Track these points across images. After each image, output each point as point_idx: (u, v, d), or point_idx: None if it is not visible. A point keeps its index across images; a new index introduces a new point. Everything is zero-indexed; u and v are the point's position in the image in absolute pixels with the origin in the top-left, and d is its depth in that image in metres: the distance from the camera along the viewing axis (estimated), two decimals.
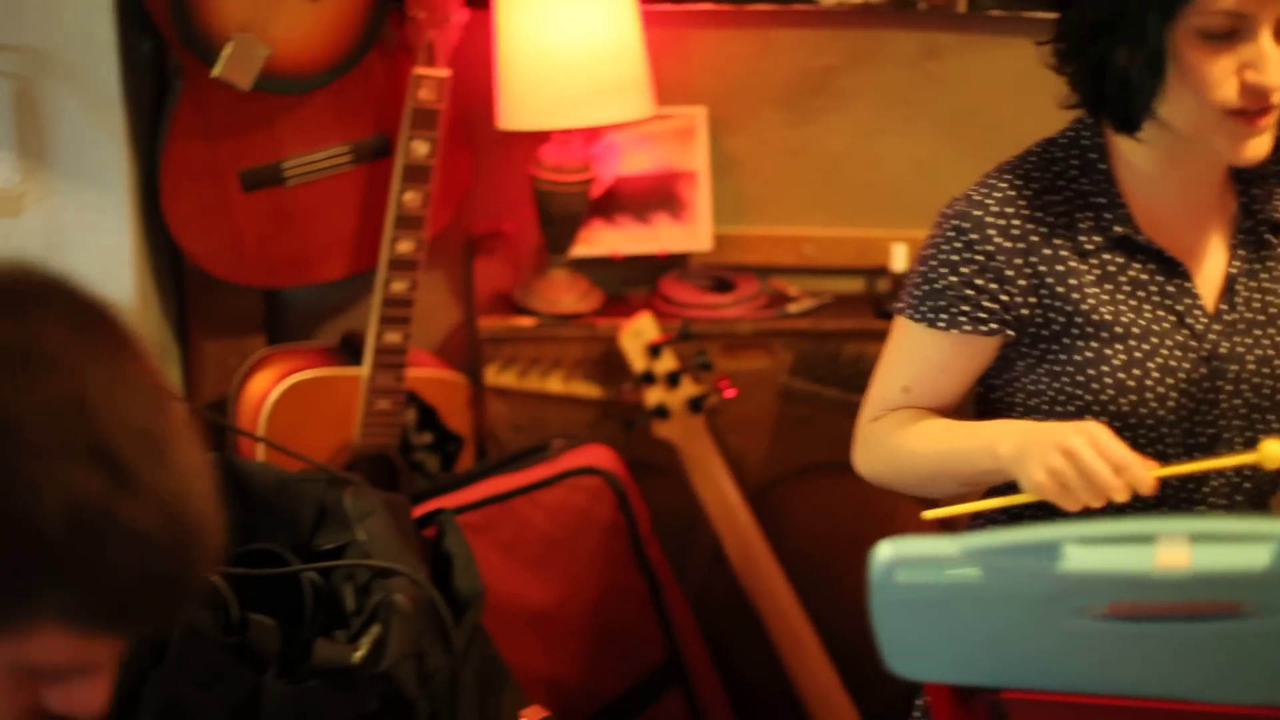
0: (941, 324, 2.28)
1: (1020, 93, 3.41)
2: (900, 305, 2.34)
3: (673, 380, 3.42)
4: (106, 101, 3.25)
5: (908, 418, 2.33)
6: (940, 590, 1.70)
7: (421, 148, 3.33)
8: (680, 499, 3.54)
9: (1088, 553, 1.64)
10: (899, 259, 3.58)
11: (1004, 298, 2.25)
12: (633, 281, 3.72)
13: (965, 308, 2.26)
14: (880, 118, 3.66)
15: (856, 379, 3.49)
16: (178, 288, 3.66)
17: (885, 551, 1.70)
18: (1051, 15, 2.29)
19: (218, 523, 1.30)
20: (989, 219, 2.25)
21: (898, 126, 3.66)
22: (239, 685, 2.24)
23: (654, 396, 3.43)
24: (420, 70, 3.31)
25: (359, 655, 2.24)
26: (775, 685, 3.52)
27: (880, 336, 3.45)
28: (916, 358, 2.34)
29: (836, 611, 3.55)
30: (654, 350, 3.41)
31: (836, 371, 3.54)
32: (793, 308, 3.61)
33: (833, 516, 3.61)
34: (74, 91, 3.23)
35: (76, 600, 1.22)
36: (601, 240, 3.63)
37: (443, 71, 3.32)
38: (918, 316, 2.30)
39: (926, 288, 2.29)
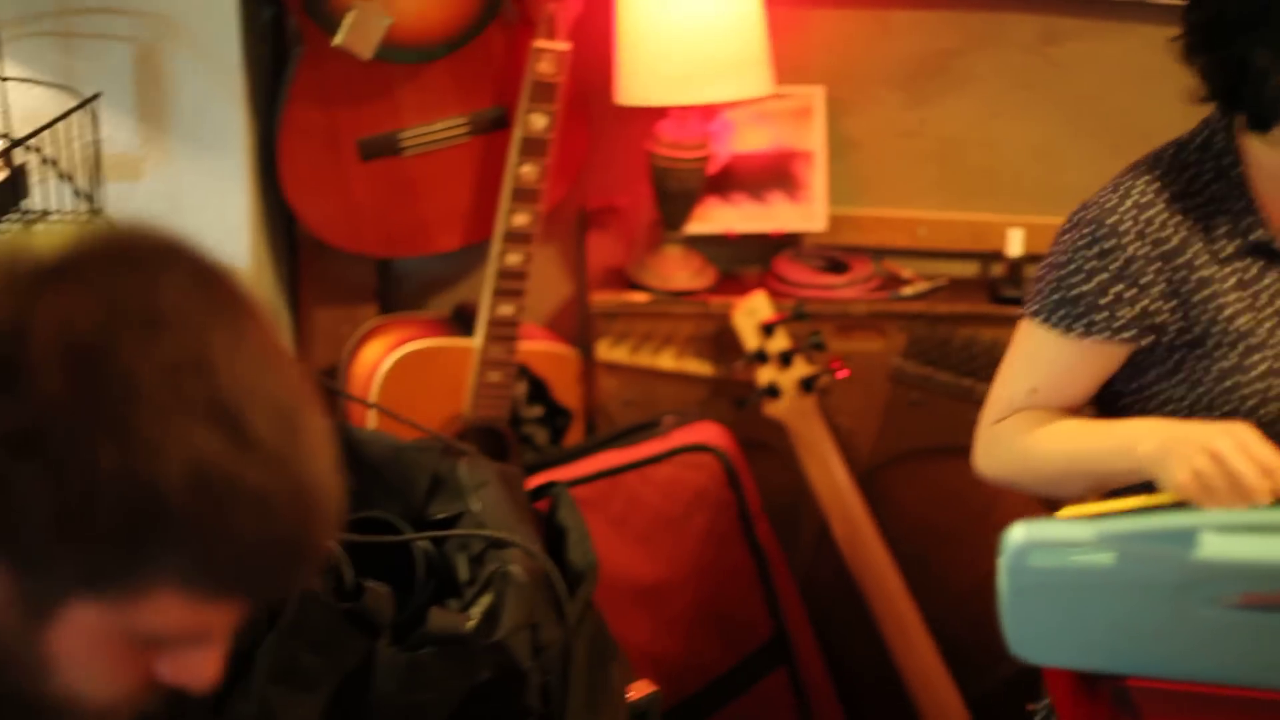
0: (1078, 331, 2.25)
1: (1141, 80, 3.39)
2: (1031, 309, 2.31)
3: (785, 359, 3.41)
4: (227, 67, 3.27)
5: (1034, 419, 2.30)
6: (1073, 574, 1.69)
7: (540, 121, 3.32)
8: (788, 478, 3.53)
9: (1224, 541, 1.63)
10: (1014, 244, 3.55)
11: (1142, 304, 2.22)
12: (746, 260, 3.71)
13: (1102, 315, 2.23)
14: (999, 101, 3.63)
15: (969, 363, 3.47)
16: (291, 255, 3.67)
17: (1019, 534, 1.68)
18: (1175, 1, 2.26)
19: (339, 488, 1.28)
20: (1125, 225, 2.22)
21: (1016, 111, 3.63)
22: (352, 651, 2.24)
23: (766, 375, 3.41)
24: (540, 43, 3.30)
25: (471, 625, 2.24)
26: (878, 667, 3.50)
27: (995, 321, 3.48)
28: (1044, 361, 2.31)
29: (941, 596, 3.54)
30: (767, 329, 3.40)
31: (949, 355, 3.52)
32: (907, 290, 3.59)
33: (941, 501, 3.59)
34: (195, 57, 3.24)
35: (195, 564, 1.20)
36: (716, 218, 3.62)
37: (563, 45, 3.31)
38: (1053, 322, 2.27)
39: (1061, 294, 2.26)
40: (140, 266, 1.23)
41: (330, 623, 2.22)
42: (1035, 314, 2.31)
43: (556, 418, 3.61)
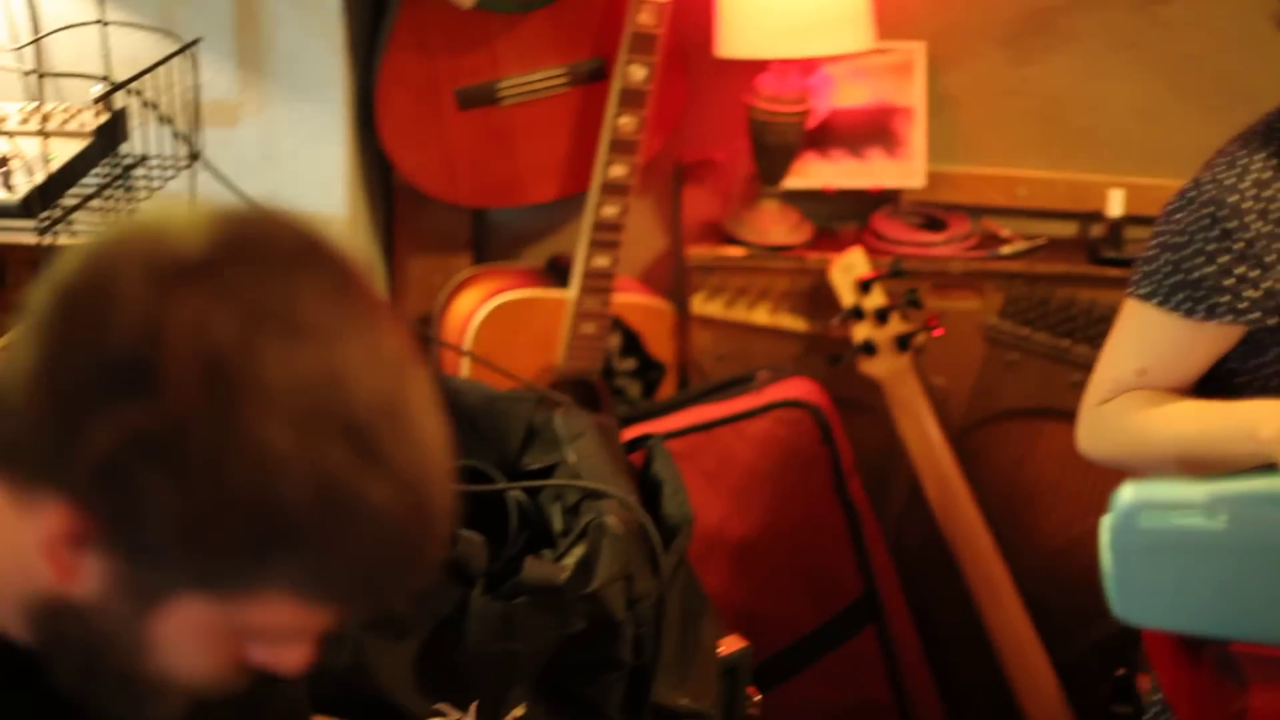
0: (1200, 314, 2.18)
1: (1248, 43, 3.35)
2: (1142, 291, 2.25)
3: (881, 317, 3.38)
4: (326, 14, 3.27)
5: (1143, 400, 2.24)
6: (1181, 537, 1.66)
7: (639, 72, 3.31)
8: (879, 437, 3.51)
9: None
10: (1115, 204, 3.51)
11: (1267, 285, 2.15)
12: (842, 216, 3.69)
13: (1225, 298, 2.17)
14: (1103, 61, 3.58)
15: (1067, 323, 3.44)
16: (386, 203, 3.67)
17: (1128, 494, 1.66)
18: None
19: (453, 503, 1.28)
20: (1246, 204, 2.15)
21: (1121, 70, 3.58)
22: (446, 599, 2.25)
23: (861, 332, 3.39)
24: None
25: (565, 576, 2.24)
26: (966, 628, 3.49)
27: (1094, 282, 3.45)
28: (1156, 342, 2.24)
29: (1031, 559, 3.51)
30: (864, 286, 3.38)
31: (1046, 316, 3.49)
32: (1005, 249, 3.55)
33: (1034, 463, 3.56)
34: (295, 3, 3.25)
35: (310, 574, 1.20)
36: (814, 173, 3.59)
37: None
38: (1171, 306, 2.20)
39: (1180, 277, 2.19)
40: (280, 269, 1.21)
41: None
42: (1148, 297, 2.23)
43: (649, 371, 3.60)
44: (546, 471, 2.49)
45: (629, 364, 3.59)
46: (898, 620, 3.42)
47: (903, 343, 3.40)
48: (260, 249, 1.22)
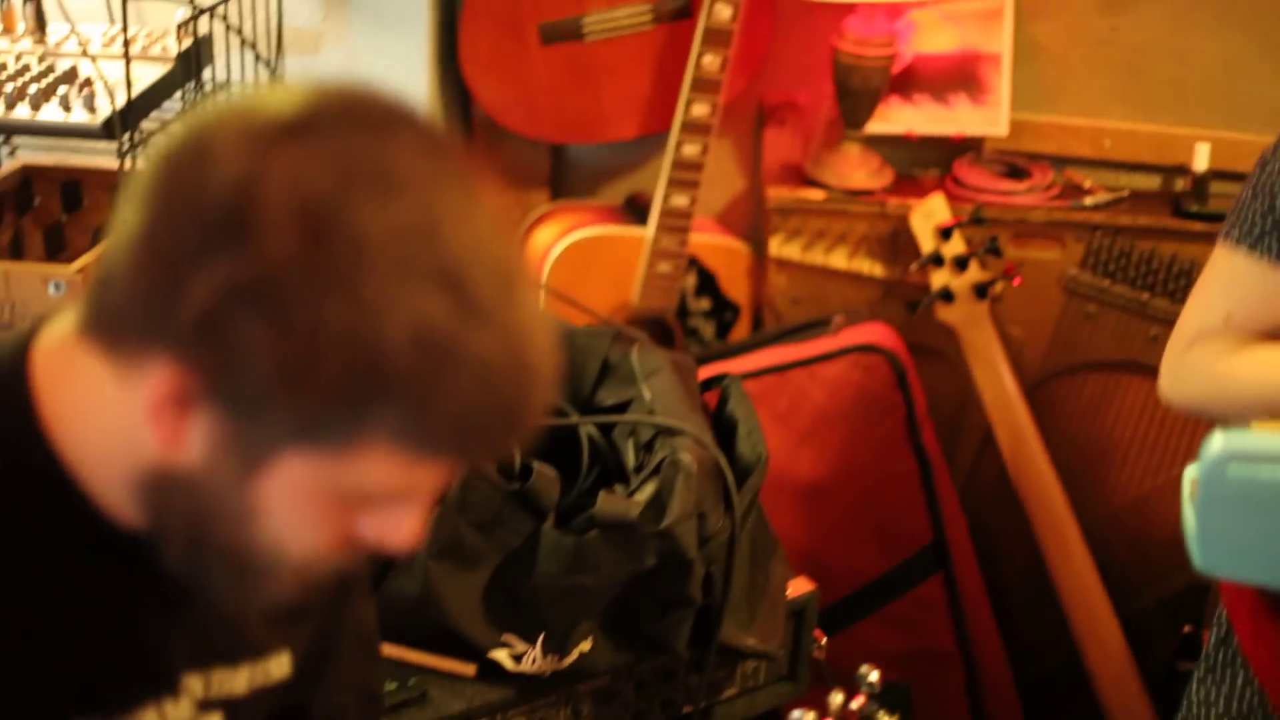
0: None
1: None
2: (1233, 235, 2.20)
3: (960, 264, 3.36)
4: None
5: (1229, 345, 2.20)
6: (1271, 488, 1.64)
7: (725, 11, 3.29)
8: (954, 385, 3.49)
9: None
10: (1201, 158, 3.47)
11: None
12: (923, 162, 3.66)
13: None
14: (1194, 13, 3.54)
15: (1147, 277, 3.42)
16: (465, 136, 3.67)
17: (1218, 444, 1.64)
18: None
19: (555, 361, 1.28)
20: None
21: (1212, 23, 3.53)
22: (516, 532, 2.24)
23: (940, 279, 3.37)
24: None
25: (637, 512, 2.23)
26: (1032, 577, 3.48)
27: (1176, 236, 3.42)
28: (1244, 288, 2.20)
29: (1100, 512, 3.50)
30: (944, 233, 3.35)
31: (1127, 269, 3.45)
32: (1088, 200, 3.52)
33: (1109, 417, 3.53)
34: None
35: (410, 423, 1.21)
36: (897, 118, 3.56)
37: None
38: (1261, 249, 2.17)
39: (1272, 219, 2.17)
40: (373, 128, 1.23)
41: (496, 503, 2.22)
42: (1239, 240, 2.18)
43: (724, 311, 3.59)
44: (621, 407, 2.48)
45: (704, 304, 3.58)
46: (965, 569, 3.41)
47: (981, 291, 3.37)
48: (354, 113, 1.24)
